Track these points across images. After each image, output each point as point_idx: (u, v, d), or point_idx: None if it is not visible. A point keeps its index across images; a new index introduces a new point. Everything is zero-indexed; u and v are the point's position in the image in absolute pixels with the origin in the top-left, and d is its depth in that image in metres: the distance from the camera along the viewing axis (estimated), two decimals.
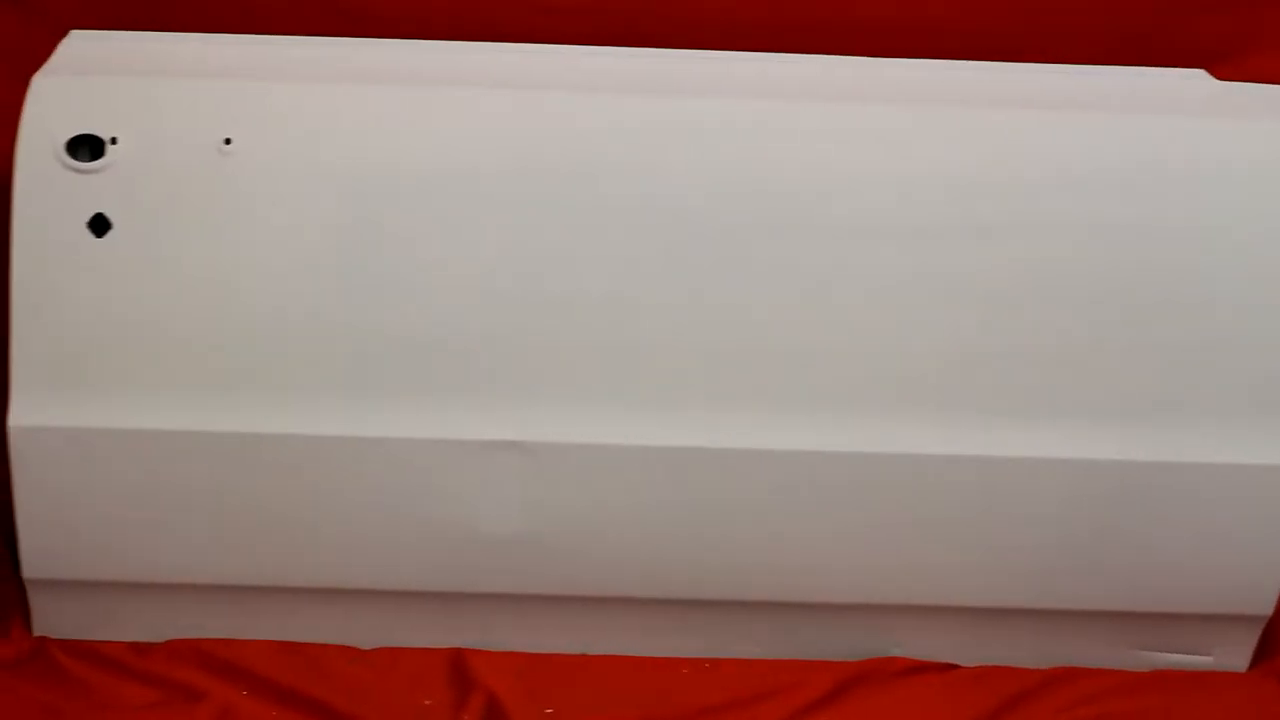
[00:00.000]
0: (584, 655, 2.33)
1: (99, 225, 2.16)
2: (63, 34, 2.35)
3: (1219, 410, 2.22)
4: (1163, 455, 2.22)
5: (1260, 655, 2.37)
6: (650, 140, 2.21)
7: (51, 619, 2.31)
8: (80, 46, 2.33)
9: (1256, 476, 2.23)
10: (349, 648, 2.31)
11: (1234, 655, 2.36)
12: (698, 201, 2.19)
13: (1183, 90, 2.39)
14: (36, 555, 2.26)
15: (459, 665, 2.28)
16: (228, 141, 2.17)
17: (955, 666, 2.33)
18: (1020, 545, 2.26)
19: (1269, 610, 2.32)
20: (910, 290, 2.20)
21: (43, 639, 2.30)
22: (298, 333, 2.19)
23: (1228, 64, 2.51)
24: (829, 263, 2.19)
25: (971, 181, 2.21)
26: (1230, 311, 2.21)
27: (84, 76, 2.22)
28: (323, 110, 2.21)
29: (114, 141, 2.16)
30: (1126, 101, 2.32)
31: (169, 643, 2.29)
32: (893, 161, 2.21)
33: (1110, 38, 2.54)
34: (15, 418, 2.18)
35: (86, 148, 2.16)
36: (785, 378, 2.21)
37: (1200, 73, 2.45)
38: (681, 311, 2.20)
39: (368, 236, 2.18)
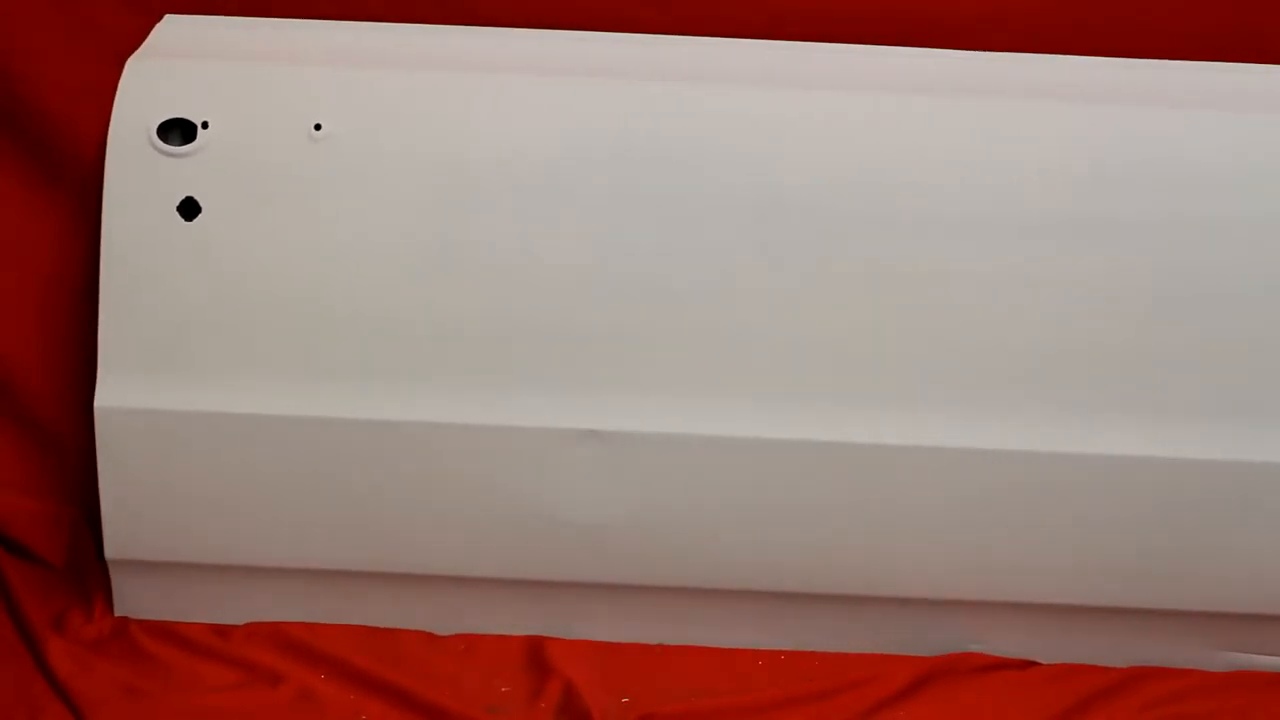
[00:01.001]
0: (660, 645, 2.37)
1: (189, 209, 2.22)
2: (157, 18, 2.41)
3: None
4: (1250, 454, 2.25)
5: None
6: (740, 131, 2.25)
7: (133, 600, 2.37)
8: (174, 30, 2.38)
9: None
10: (427, 633, 2.36)
11: None
12: (782, 194, 2.23)
13: (1267, 86, 2.39)
14: (119, 536, 2.32)
15: (536, 653, 2.32)
16: (318, 127, 2.23)
17: (1034, 664, 2.35)
18: (1103, 543, 2.29)
19: None
20: (984, 284, 2.23)
21: (124, 619, 2.36)
22: (381, 319, 2.24)
23: None
24: (917, 258, 2.23)
25: (1058, 177, 2.24)
26: None
27: (177, 60, 2.29)
28: (413, 97, 2.26)
29: (205, 126, 2.23)
30: (1211, 97, 2.33)
31: (248, 625, 2.35)
32: (974, 154, 2.25)
33: (1202, 33, 2.56)
34: (102, 399, 2.24)
35: (178, 131, 2.23)
36: (868, 371, 2.25)
37: None
38: (765, 303, 2.24)
39: (453, 224, 2.23)
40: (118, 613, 2.37)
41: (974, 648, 2.36)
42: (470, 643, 2.35)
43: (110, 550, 2.33)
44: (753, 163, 2.25)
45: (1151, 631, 2.36)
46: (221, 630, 2.34)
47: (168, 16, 2.42)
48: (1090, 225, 2.23)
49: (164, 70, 2.27)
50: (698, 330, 2.25)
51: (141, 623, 2.35)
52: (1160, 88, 2.35)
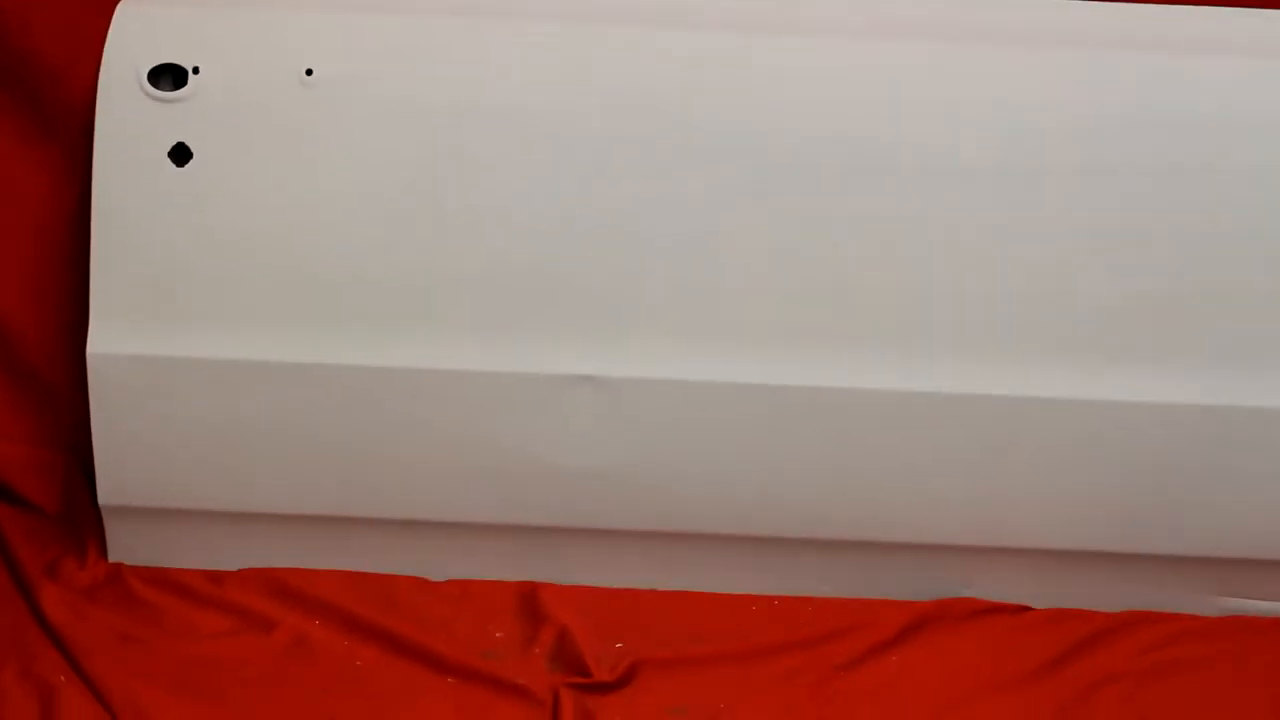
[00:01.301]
0: (654, 591, 2.39)
1: (180, 155, 2.23)
2: None
3: None
4: (1246, 400, 2.26)
5: None
6: (732, 78, 2.26)
7: (127, 546, 2.38)
8: None
9: None
10: (421, 579, 2.38)
11: None
12: (779, 141, 2.24)
13: (1272, 31, 2.39)
14: (113, 483, 2.33)
15: (530, 599, 2.34)
16: (309, 73, 2.23)
17: (1027, 609, 2.37)
18: (1098, 488, 2.30)
19: None
20: (982, 230, 2.24)
21: (118, 566, 2.37)
22: (374, 265, 2.25)
23: None
24: (917, 205, 2.24)
25: (1058, 124, 2.25)
26: None
27: (167, 6, 2.28)
28: (404, 42, 2.26)
29: (196, 71, 2.23)
30: (1215, 42, 2.33)
31: (242, 571, 2.36)
32: (971, 100, 2.26)
33: None
34: (94, 345, 2.26)
35: (169, 77, 2.23)
36: (864, 317, 2.26)
37: None
38: (761, 249, 2.25)
39: (447, 170, 2.24)
40: (111, 559, 2.39)
41: (967, 593, 2.38)
42: (464, 588, 2.37)
43: (104, 497, 2.34)
44: (748, 109, 2.25)
45: (1145, 576, 2.38)
46: (215, 576, 2.36)
47: None
48: (1085, 172, 2.24)
49: (154, 16, 2.27)
50: (691, 276, 2.26)
51: (135, 569, 2.37)
52: (1159, 33, 2.35)
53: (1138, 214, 2.24)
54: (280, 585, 2.33)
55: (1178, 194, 2.24)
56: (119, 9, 2.27)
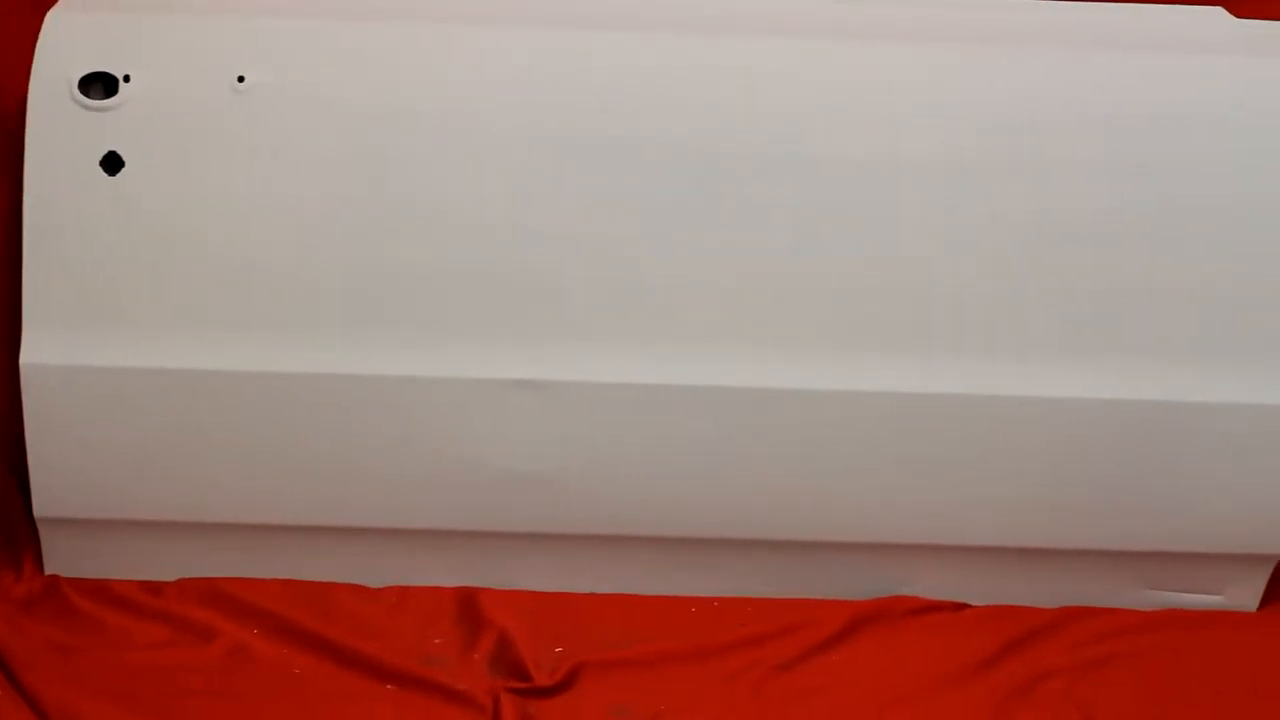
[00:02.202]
0: (593, 594, 2.42)
1: (112, 163, 2.24)
2: None
3: (1233, 351, 2.30)
4: (1174, 395, 2.30)
5: (1270, 595, 2.46)
6: (666, 78, 2.28)
7: (63, 557, 2.39)
8: None
9: (1267, 417, 2.31)
10: (359, 586, 2.40)
11: (1244, 595, 2.44)
12: (712, 140, 2.27)
13: (1202, 28, 2.44)
14: (48, 493, 2.34)
15: (469, 604, 2.36)
16: (241, 79, 2.24)
17: (966, 606, 2.41)
18: (1033, 485, 2.34)
19: None
20: (927, 230, 2.28)
21: (54, 577, 2.38)
22: (310, 271, 2.26)
23: (1246, 2, 2.57)
24: (848, 202, 2.27)
25: (992, 121, 2.28)
26: (1253, 252, 2.29)
27: (98, 13, 2.29)
28: (336, 47, 2.28)
29: (127, 79, 2.24)
30: (1145, 40, 2.38)
31: (180, 581, 2.37)
32: (911, 101, 2.29)
33: None
34: (27, 355, 2.26)
35: (100, 85, 2.24)
36: (799, 316, 2.29)
37: (1219, 10, 2.50)
38: (696, 250, 2.27)
39: (381, 174, 2.26)
40: (48, 571, 2.39)
41: (906, 591, 2.42)
42: (403, 595, 2.39)
43: (39, 508, 2.35)
44: (684, 110, 2.28)
45: (1081, 571, 2.42)
46: (153, 587, 2.37)
47: None
48: (1038, 170, 2.28)
49: (84, 23, 2.28)
50: (628, 278, 2.28)
51: (72, 581, 2.38)
52: (1119, 31, 2.41)
53: (1075, 211, 2.28)
54: (218, 594, 2.35)
55: (1116, 191, 2.28)
56: (49, 17, 2.27)
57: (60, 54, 2.25)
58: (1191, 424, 2.31)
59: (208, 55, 2.26)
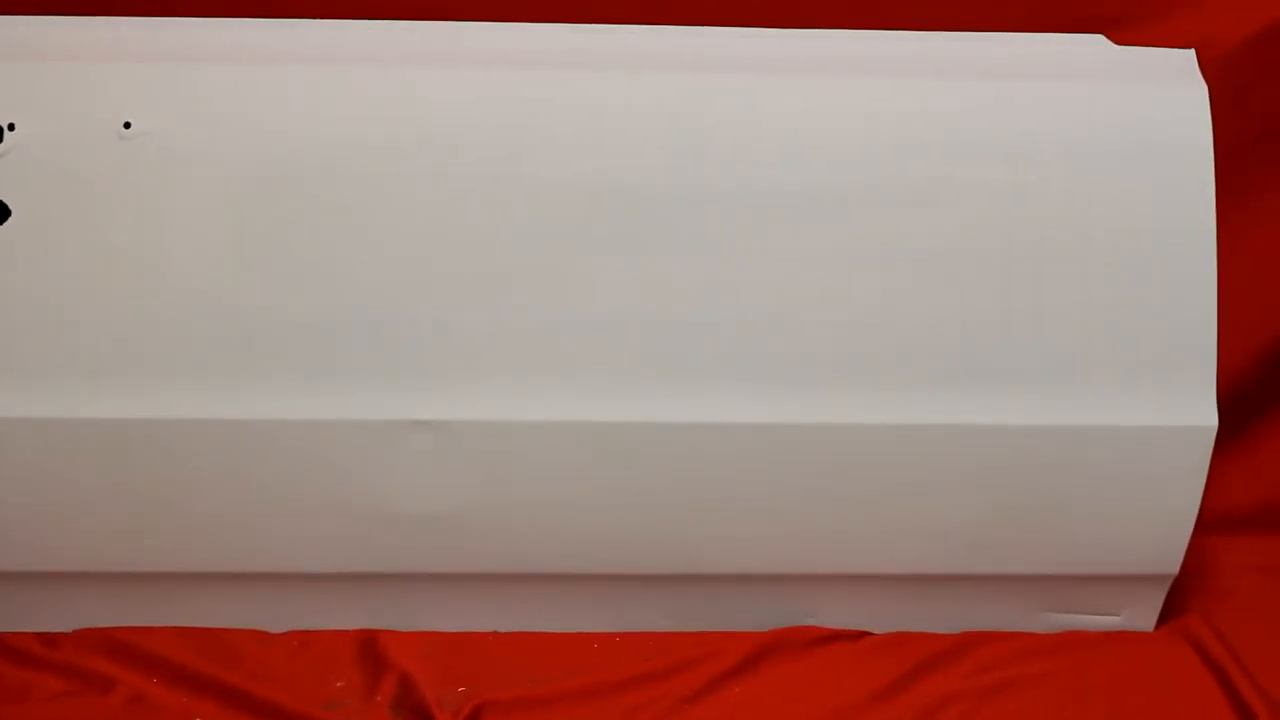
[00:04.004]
0: (496, 633, 2.44)
1: None
2: None
3: (1121, 373, 2.35)
4: (1067, 419, 2.35)
5: (1166, 615, 2.51)
6: (559, 116, 2.31)
7: None
8: None
9: (1159, 438, 2.36)
10: (259, 632, 2.41)
11: (1141, 615, 2.49)
12: (608, 177, 2.30)
13: (1082, 55, 2.49)
14: None
15: (370, 646, 2.38)
16: (128, 125, 2.27)
17: (867, 634, 2.45)
18: (928, 512, 2.39)
19: (1175, 570, 2.45)
20: (811, 259, 2.32)
21: None
22: (202, 317, 2.28)
23: (1126, 29, 2.64)
24: (744, 234, 2.31)
25: (873, 152, 2.33)
26: (1133, 275, 2.34)
27: None
28: (225, 91, 2.30)
29: (11, 128, 2.25)
30: (1024, 67, 2.42)
31: (77, 632, 2.38)
32: (789, 130, 2.33)
33: (1009, 4, 2.68)
34: None
35: None
36: (696, 350, 2.32)
37: (1099, 38, 2.54)
38: (592, 287, 2.31)
39: (271, 218, 2.28)
40: None
41: (808, 621, 2.45)
42: (304, 639, 2.41)
43: None
44: (573, 147, 2.31)
45: (980, 597, 2.46)
46: (49, 639, 2.37)
47: None
48: (910, 198, 2.32)
49: None
50: (523, 316, 2.31)
51: None
52: (960, 59, 2.43)
53: (959, 237, 2.32)
54: (116, 644, 2.35)
55: (998, 217, 2.33)
56: None
57: None
58: (1081, 448, 2.36)
59: (93, 102, 2.27)
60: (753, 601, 2.45)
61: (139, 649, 2.34)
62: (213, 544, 2.36)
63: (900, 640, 2.44)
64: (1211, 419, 2.36)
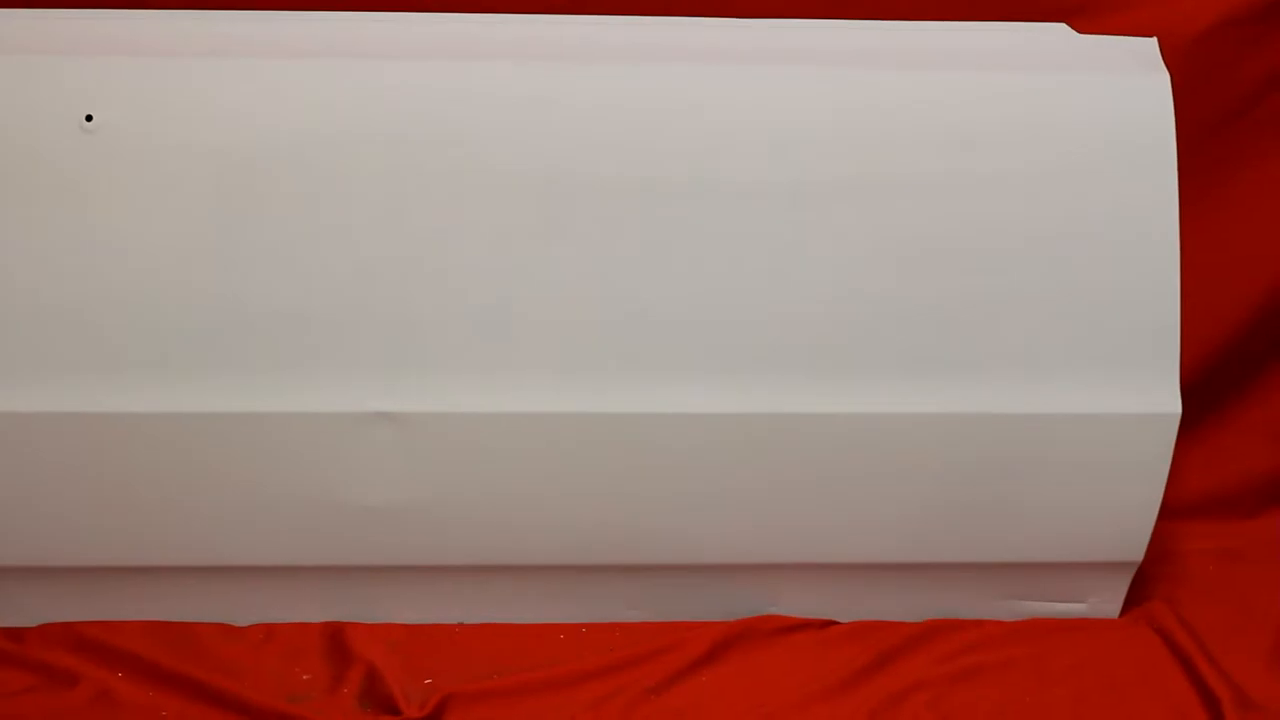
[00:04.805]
0: (462, 625, 2.45)
1: None
2: None
3: (1085, 361, 2.37)
4: (1031, 407, 2.37)
5: (1131, 601, 2.53)
6: (510, 108, 2.32)
7: None
8: None
9: (1123, 426, 2.38)
10: (225, 625, 2.42)
11: (1106, 602, 2.52)
12: (560, 169, 2.31)
13: (1045, 44, 2.51)
14: None
15: (336, 639, 2.39)
16: (89, 118, 2.27)
17: (832, 623, 2.47)
18: (893, 500, 2.40)
19: (1139, 557, 2.47)
20: (772, 249, 2.33)
21: None
22: (163, 310, 2.29)
23: (1089, 18, 2.67)
24: (704, 226, 2.32)
25: (833, 140, 2.34)
26: (1095, 264, 2.36)
27: None
28: (184, 84, 2.30)
29: None
30: (987, 57, 2.44)
31: (41, 627, 2.38)
32: (751, 121, 2.34)
33: None
34: None
35: None
36: (652, 340, 2.33)
37: (1062, 27, 2.57)
38: (551, 279, 2.32)
39: (231, 211, 2.28)
40: None
41: (773, 610, 2.47)
42: (269, 632, 2.41)
43: None
44: (530, 139, 2.32)
45: (946, 585, 2.48)
46: (13, 634, 2.37)
47: None
48: (869, 188, 2.33)
49: None
50: (483, 308, 2.32)
51: None
52: (921, 48, 2.46)
53: (918, 226, 2.34)
54: (82, 639, 2.36)
55: (958, 206, 2.34)
56: None
57: None
58: (1045, 436, 2.38)
59: (54, 95, 2.28)
60: (718, 591, 2.46)
61: (104, 644, 2.35)
62: (177, 538, 2.37)
63: (865, 629, 2.45)
64: (1175, 406, 2.38)
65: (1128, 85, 2.40)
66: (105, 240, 2.27)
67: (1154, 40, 2.46)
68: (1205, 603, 2.56)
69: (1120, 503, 2.43)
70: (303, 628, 2.42)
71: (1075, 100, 2.38)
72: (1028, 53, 2.47)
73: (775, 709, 2.29)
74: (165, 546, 2.37)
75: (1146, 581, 2.56)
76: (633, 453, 2.36)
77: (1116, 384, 2.37)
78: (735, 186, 2.33)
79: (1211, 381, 2.86)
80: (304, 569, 2.41)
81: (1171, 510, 2.58)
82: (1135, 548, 2.46)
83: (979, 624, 2.48)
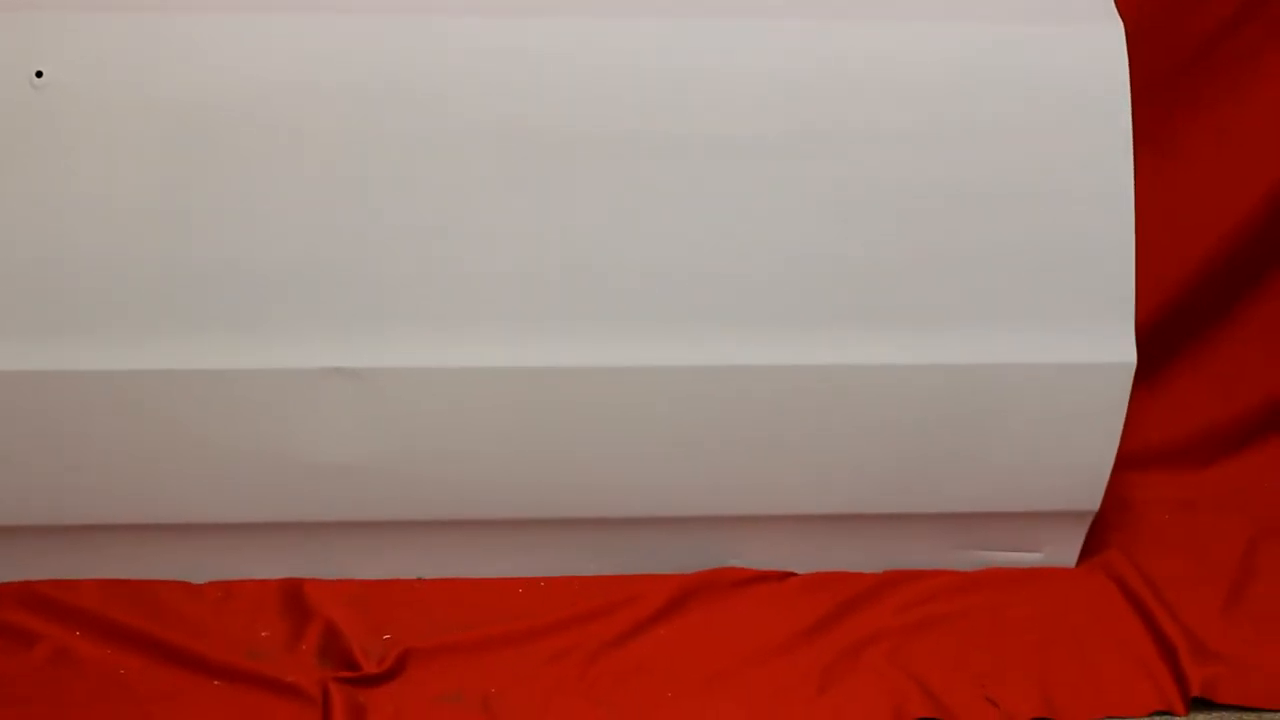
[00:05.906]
0: (420, 580, 2.46)
1: None
2: None
3: (1041, 311, 2.39)
4: (986, 357, 2.39)
5: (1088, 551, 2.56)
6: (470, 62, 2.33)
7: None
8: None
9: (1079, 375, 2.40)
10: (183, 583, 2.42)
11: (1063, 551, 2.55)
12: (518, 123, 2.32)
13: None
14: None
15: (295, 595, 2.40)
16: (39, 74, 2.27)
17: (791, 574, 2.49)
18: (850, 451, 2.42)
19: (1095, 506, 2.50)
20: (728, 203, 2.34)
21: None
22: (120, 267, 2.29)
23: None
24: (649, 179, 2.33)
25: (796, 92, 2.35)
26: (1052, 216, 2.38)
27: None
28: (137, 40, 2.30)
29: None
30: (940, 9, 2.44)
31: None
32: (709, 75, 2.35)
33: None
34: None
35: None
36: (609, 294, 2.35)
37: None
38: (509, 233, 2.32)
39: (188, 167, 2.28)
40: None
41: (732, 562, 2.49)
42: (227, 589, 2.42)
43: None
44: (490, 93, 2.33)
45: (904, 535, 2.51)
46: None
47: None
48: (825, 138, 2.34)
49: None
50: (440, 263, 2.33)
51: None
52: (871, 1, 2.45)
53: (875, 178, 2.35)
54: (39, 598, 2.36)
55: (916, 157, 2.36)
56: None
57: None
58: (1001, 386, 2.40)
59: (4, 50, 2.27)
60: (677, 544, 2.48)
61: (61, 602, 2.35)
62: (133, 495, 2.37)
63: (824, 580, 2.48)
64: (1131, 356, 2.40)
65: (1082, 34, 2.41)
66: (57, 197, 2.27)
67: None
68: (1161, 552, 2.59)
69: (1076, 452, 2.45)
70: (261, 584, 2.43)
71: (1030, 51, 2.40)
72: (981, 4, 2.47)
73: (733, 662, 2.31)
74: (122, 504, 2.37)
75: (1103, 531, 2.59)
76: (590, 407, 2.37)
77: (1071, 334, 2.40)
78: (693, 140, 2.34)
79: (1167, 332, 2.89)
80: (262, 525, 2.41)
81: (1127, 461, 2.62)
82: (1091, 497, 2.49)
83: (937, 574, 2.50)
